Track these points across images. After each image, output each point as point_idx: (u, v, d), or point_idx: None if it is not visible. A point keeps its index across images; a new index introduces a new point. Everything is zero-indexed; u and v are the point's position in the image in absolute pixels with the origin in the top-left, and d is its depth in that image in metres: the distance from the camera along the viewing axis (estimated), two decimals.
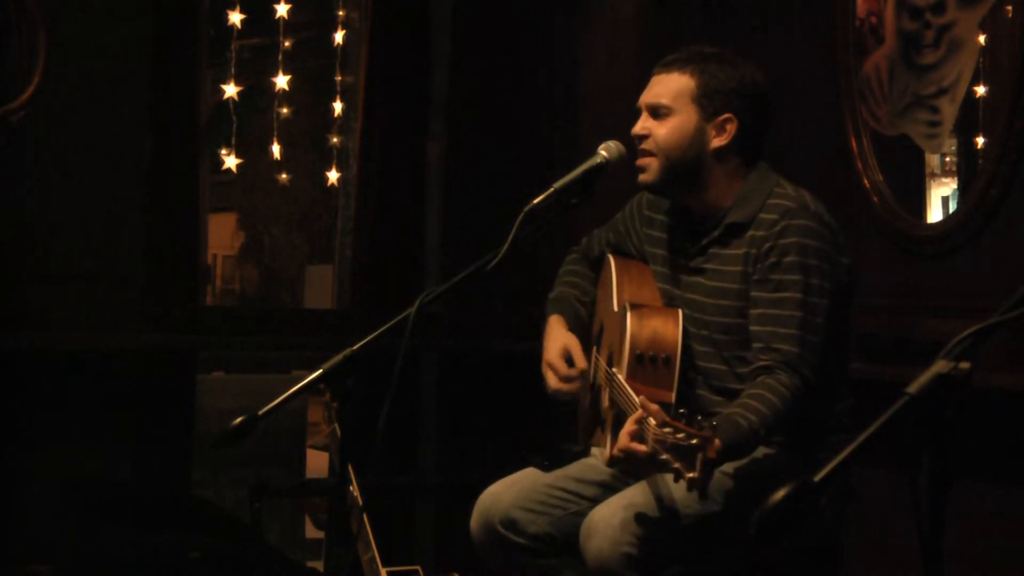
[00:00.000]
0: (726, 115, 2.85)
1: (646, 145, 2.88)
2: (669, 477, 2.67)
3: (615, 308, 2.96)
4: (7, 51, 4.36)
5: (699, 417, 2.39)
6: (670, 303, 2.92)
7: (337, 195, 5.46)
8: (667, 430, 2.37)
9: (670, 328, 2.79)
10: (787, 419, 2.65)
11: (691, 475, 2.33)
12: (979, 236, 3.34)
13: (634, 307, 2.82)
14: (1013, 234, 3.26)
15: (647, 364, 2.73)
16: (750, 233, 2.81)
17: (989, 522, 3.21)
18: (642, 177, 2.91)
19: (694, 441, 2.34)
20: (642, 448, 2.45)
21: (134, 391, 4.57)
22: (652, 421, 2.41)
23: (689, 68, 2.87)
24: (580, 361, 2.97)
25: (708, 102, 2.84)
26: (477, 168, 5.18)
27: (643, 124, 2.89)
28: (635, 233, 3.08)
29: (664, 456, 2.37)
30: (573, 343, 3.01)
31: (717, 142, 2.85)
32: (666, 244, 2.99)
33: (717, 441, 2.37)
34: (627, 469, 2.73)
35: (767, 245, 2.77)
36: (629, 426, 2.50)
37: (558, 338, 3.03)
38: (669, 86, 2.87)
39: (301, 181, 6.75)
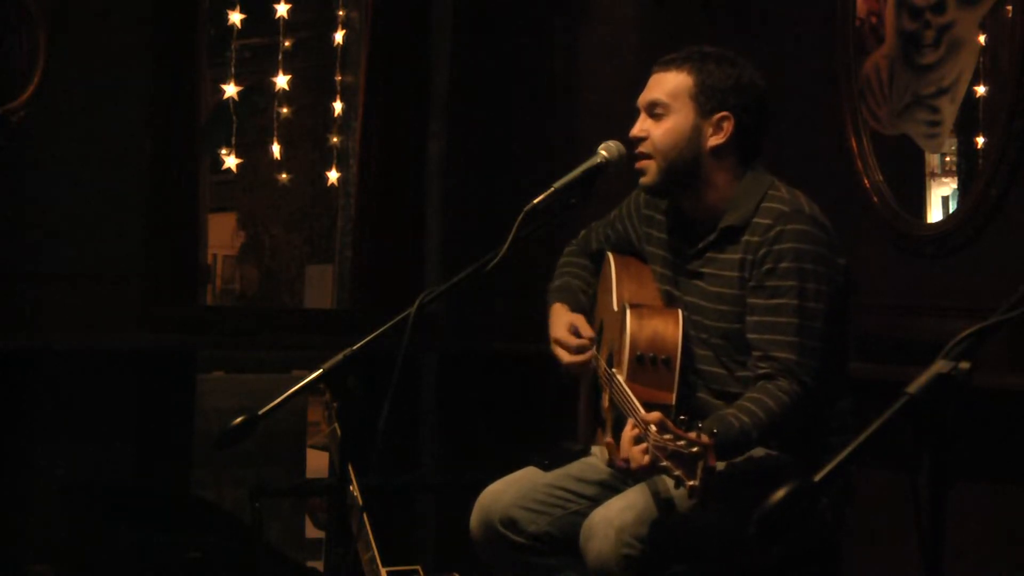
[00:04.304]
0: (723, 113, 2.84)
1: (644, 147, 2.88)
2: (668, 477, 2.67)
3: (615, 307, 2.95)
4: (7, 51, 4.36)
5: (700, 424, 2.39)
6: (670, 304, 2.92)
7: (337, 195, 5.46)
8: (667, 437, 2.37)
9: (670, 329, 2.78)
10: (785, 425, 2.64)
11: (692, 483, 2.32)
12: (979, 236, 3.34)
13: (634, 307, 2.81)
14: (1013, 234, 3.27)
15: (647, 365, 2.73)
16: (745, 238, 2.80)
17: (989, 522, 3.21)
18: (642, 180, 2.91)
19: (695, 449, 2.33)
20: (644, 460, 2.44)
21: (134, 391, 4.57)
22: (653, 428, 2.40)
23: (687, 66, 2.86)
24: (587, 330, 2.97)
25: (705, 100, 2.84)
26: (477, 168, 5.18)
27: (641, 126, 2.89)
28: (634, 231, 3.08)
29: (664, 463, 2.36)
30: (578, 319, 3.00)
31: (714, 140, 2.85)
32: (665, 245, 2.99)
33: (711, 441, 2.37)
34: (628, 472, 2.73)
35: (762, 251, 2.76)
36: (629, 431, 2.49)
37: (563, 317, 3.03)
38: (667, 84, 2.87)
39: (301, 181, 6.75)
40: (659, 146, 2.86)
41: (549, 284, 3.20)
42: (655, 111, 2.87)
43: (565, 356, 2.98)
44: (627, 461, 2.49)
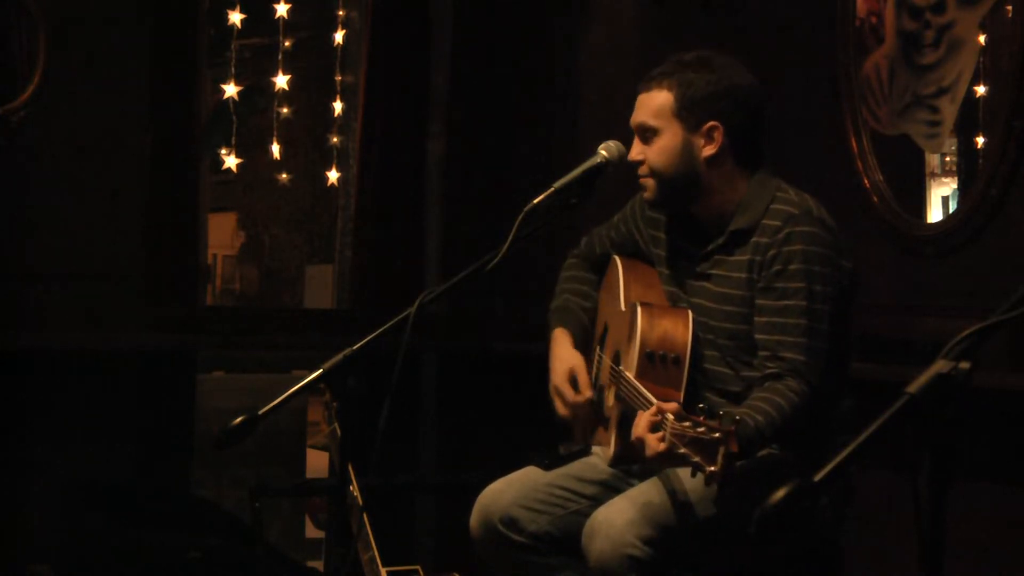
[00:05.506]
0: (710, 123, 2.83)
1: (642, 170, 2.89)
2: (671, 477, 2.67)
3: (622, 308, 2.95)
4: (7, 51, 4.36)
5: (721, 412, 2.38)
6: (676, 306, 2.92)
7: (337, 195, 5.46)
8: (686, 424, 2.37)
9: (680, 328, 2.78)
10: (793, 424, 2.65)
11: (712, 468, 2.32)
12: (979, 236, 3.34)
13: (644, 306, 2.82)
14: (1013, 234, 3.26)
15: (657, 363, 2.73)
16: (754, 240, 2.80)
17: (989, 522, 3.21)
18: (645, 195, 2.93)
19: (716, 435, 2.33)
20: (661, 447, 2.43)
21: (134, 391, 4.57)
22: (670, 416, 2.40)
23: (667, 82, 2.85)
24: (585, 389, 2.97)
25: (689, 114, 2.83)
26: (477, 168, 5.18)
27: (636, 149, 2.89)
28: (639, 233, 3.08)
29: (682, 450, 2.36)
30: (579, 366, 3.00)
31: (707, 151, 2.84)
32: (671, 247, 2.99)
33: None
34: (635, 466, 2.73)
35: (771, 252, 2.76)
36: (650, 417, 2.48)
37: (563, 359, 3.03)
38: (651, 105, 2.86)
39: (301, 181, 6.75)
40: (655, 167, 2.86)
41: (551, 298, 3.19)
42: (645, 134, 2.87)
43: (560, 408, 3.01)
44: (641, 441, 2.48)
